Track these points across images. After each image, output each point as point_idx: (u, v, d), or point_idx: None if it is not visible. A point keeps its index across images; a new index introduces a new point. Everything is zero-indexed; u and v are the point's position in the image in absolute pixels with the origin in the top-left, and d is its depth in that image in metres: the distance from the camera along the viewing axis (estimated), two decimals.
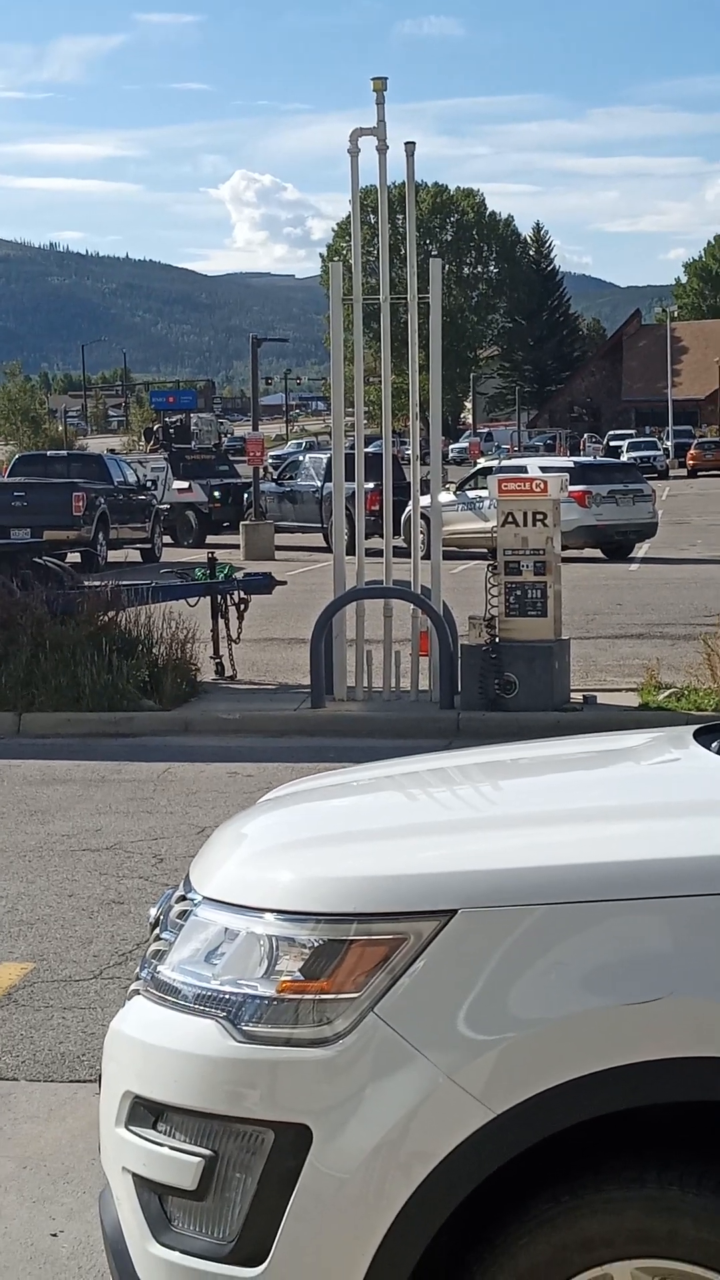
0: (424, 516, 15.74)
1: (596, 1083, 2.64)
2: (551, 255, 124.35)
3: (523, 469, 26.85)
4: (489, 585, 12.88)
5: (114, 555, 29.64)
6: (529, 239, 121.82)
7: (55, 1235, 4.45)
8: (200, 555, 18.97)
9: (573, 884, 2.77)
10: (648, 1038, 2.65)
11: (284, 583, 15.93)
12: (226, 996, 2.89)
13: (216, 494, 35.78)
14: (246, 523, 32.63)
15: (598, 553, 29.42)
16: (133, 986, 3.22)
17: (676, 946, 2.70)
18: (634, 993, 2.66)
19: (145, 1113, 2.96)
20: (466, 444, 75.80)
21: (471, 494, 29.77)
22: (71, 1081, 5.53)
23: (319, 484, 32.59)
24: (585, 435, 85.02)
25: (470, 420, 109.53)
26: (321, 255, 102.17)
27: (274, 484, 35.46)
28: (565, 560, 14.15)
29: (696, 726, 3.85)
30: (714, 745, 3.57)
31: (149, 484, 33.86)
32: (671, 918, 2.72)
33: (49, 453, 40.58)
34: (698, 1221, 2.65)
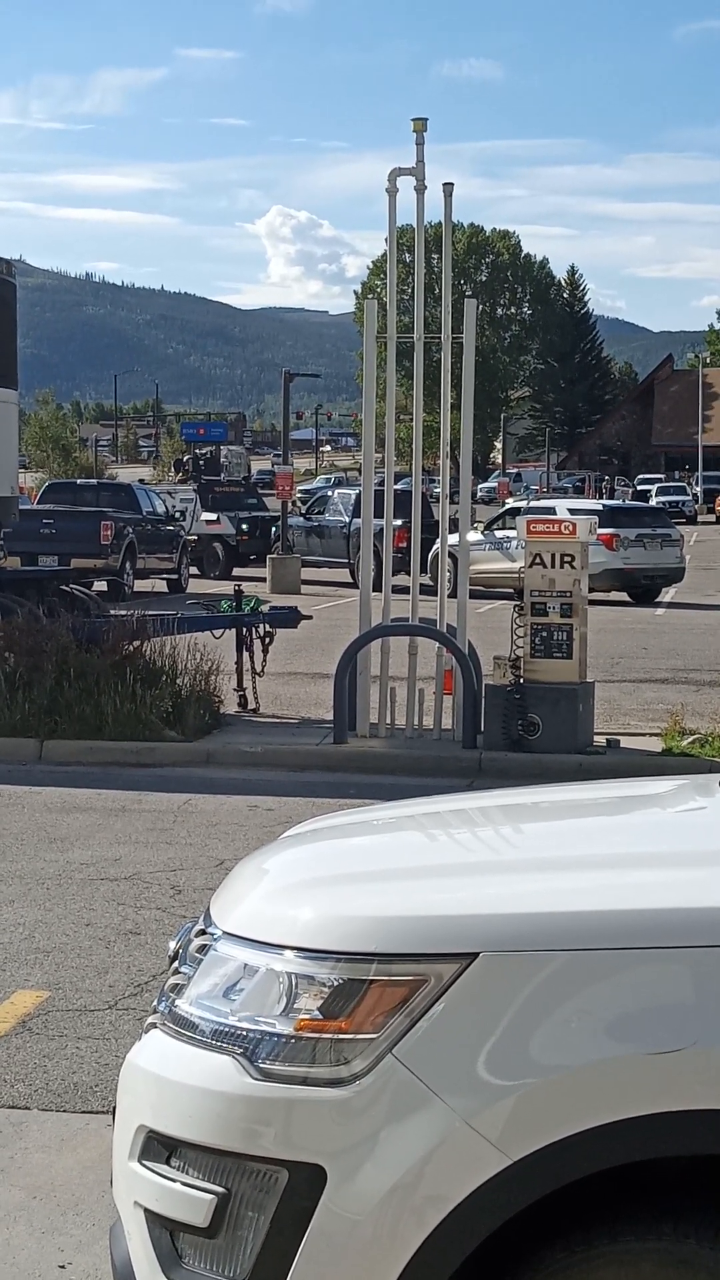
0: (451, 555, 15.74)
1: (615, 1132, 2.62)
2: (585, 298, 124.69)
3: (551, 510, 26.85)
4: (515, 626, 12.86)
5: (140, 585, 29.70)
6: (563, 282, 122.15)
7: (63, 1267, 4.42)
8: (227, 587, 19.00)
9: (596, 931, 2.76)
10: (669, 1088, 2.62)
11: (309, 617, 15.93)
12: (244, 1033, 2.88)
13: (244, 526, 35.84)
14: (274, 556, 32.68)
15: (624, 596, 29.38)
16: (149, 1019, 3.20)
17: (699, 997, 2.68)
18: (656, 1042, 2.64)
19: (159, 1148, 2.95)
20: (495, 484, 75.75)
21: (499, 534, 29.77)
22: (84, 1112, 5.51)
23: (347, 519, 32.63)
24: (615, 478, 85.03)
25: (500, 460, 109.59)
26: (356, 292, 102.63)
27: (302, 518, 35.52)
28: (591, 603, 14.13)
29: None
30: None
31: (177, 515, 33.94)
32: (695, 967, 2.70)
33: (79, 481, 40.73)
34: (713, 1275, 2.62)
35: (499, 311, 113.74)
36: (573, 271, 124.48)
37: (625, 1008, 2.68)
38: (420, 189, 13.58)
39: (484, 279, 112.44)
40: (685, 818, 3.67)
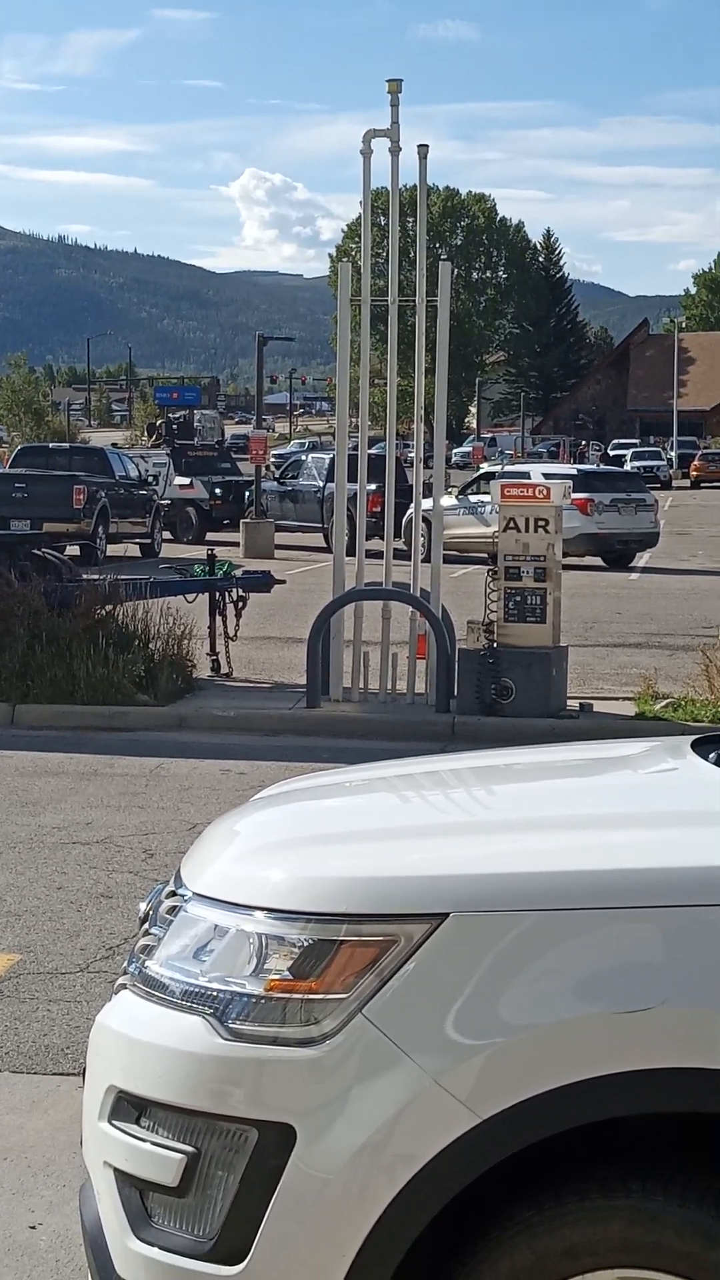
0: (425, 520, 15.72)
1: (584, 1090, 2.63)
2: (561, 263, 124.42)
3: (526, 475, 26.84)
4: (488, 590, 12.86)
5: (113, 549, 29.62)
6: (539, 245, 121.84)
7: (34, 1228, 4.43)
8: (200, 552, 18.94)
9: (566, 891, 2.76)
10: (637, 1047, 2.63)
11: (283, 582, 15.91)
12: (214, 993, 2.88)
13: (218, 491, 35.76)
14: (247, 521, 32.60)
15: (598, 561, 29.41)
16: (120, 981, 3.20)
17: (669, 956, 2.69)
18: (625, 1001, 2.65)
19: (129, 1108, 2.95)
20: (470, 448, 75.72)
21: (474, 498, 29.77)
22: (55, 1074, 5.51)
23: (321, 484, 32.58)
24: (588, 443, 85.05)
25: (474, 425, 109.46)
26: (330, 255, 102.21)
27: (276, 483, 35.44)
28: (566, 568, 14.13)
29: (695, 736, 3.84)
30: (711, 756, 3.55)
31: (150, 479, 33.83)
32: (664, 927, 2.70)
33: (51, 445, 40.58)
34: (681, 1233, 2.63)
35: (474, 275, 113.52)
36: (549, 235, 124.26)
37: (594, 967, 2.69)
38: (395, 151, 13.52)
39: (459, 242, 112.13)
40: (656, 779, 3.67)
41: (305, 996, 2.79)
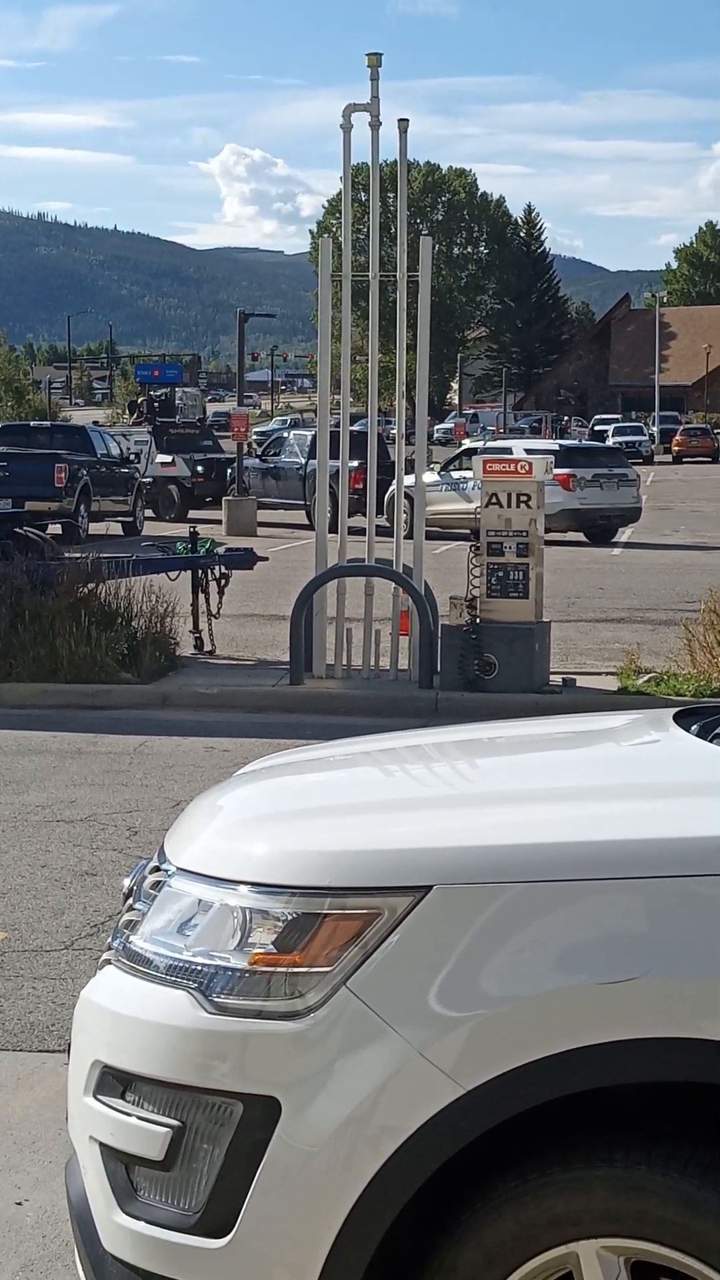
0: (408, 496, 15.72)
1: (567, 1061, 2.64)
2: (542, 237, 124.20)
3: (508, 451, 26.82)
4: (471, 566, 12.87)
5: (95, 528, 29.55)
6: (520, 221, 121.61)
7: (20, 1204, 4.44)
8: (182, 529, 18.91)
9: (549, 863, 2.77)
10: (620, 1017, 2.64)
11: (265, 559, 15.89)
12: (198, 968, 2.88)
13: (200, 469, 35.69)
14: (229, 498, 32.55)
15: (581, 536, 29.43)
16: (104, 956, 3.20)
17: (651, 927, 2.70)
18: (607, 972, 2.66)
19: (114, 1082, 2.95)
20: (452, 425, 75.67)
21: (456, 475, 29.75)
22: (40, 1051, 5.52)
23: (303, 461, 32.54)
24: (570, 419, 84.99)
25: (456, 401, 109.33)
26: (311, 232, 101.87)
27: (258, 460, 35.38)
28: (548, 543, 14.14)
29: (676, 709, 3.85)
30: (693, 728, 3.56)
31: (132, 457, 33.75)
32: (647, 898, 2.71)
33: (32, 423, 40.43)
34: (664, 1201, 2.64)
35: (455, 251, 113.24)
36: (529, 210, 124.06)
37: (578, 938, 2.69)
38: (375, 125, 13.47)
39: (440, 218, 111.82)
40: (639, 751, 3.68)
41: (289, 970, 2.79)
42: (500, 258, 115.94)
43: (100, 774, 10.01)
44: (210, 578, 14.68)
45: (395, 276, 13.66)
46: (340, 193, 14.59)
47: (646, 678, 12.92)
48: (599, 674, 13.58)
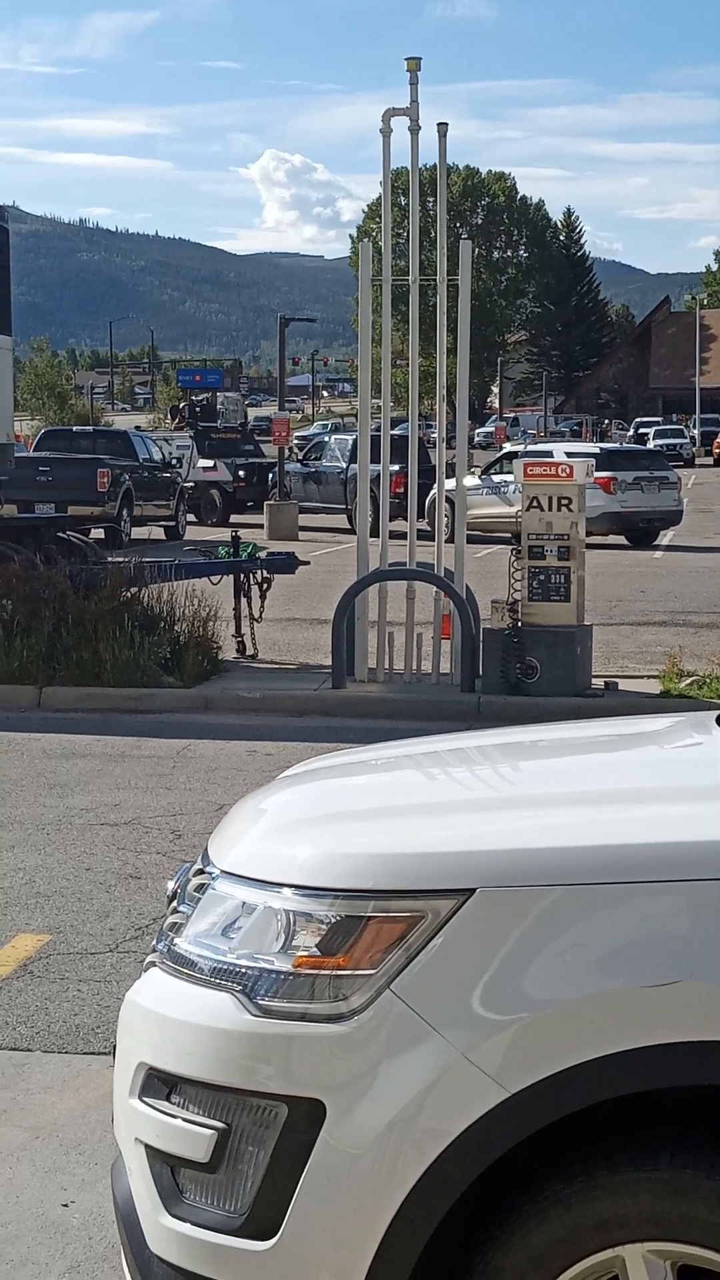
0: (449, 500, 15.71)
1: (611, 1064, 2.63)
2: (581, 240, 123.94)
3: (548, 454, 26.78)
4: (512, 569, 12.85)
5: (138, 532, 29.66)
6: (559, 224, 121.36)
7: (66, 1205, 4.46)
8: (224, 534, 18.97)
9: (591, 865, 2.77)
10: (663, 1020, 2.64)
11: (307, 563, 15.92)
12: (243, 970, 2.89)
13: (241, 473, 35.77)
14: (271, 502, 32.62)
15: (622, 539, 29.35)
16: (149, 958, 3.22)
17: (694, 930, 2.69)
18: (651, 975, 2.65)
19: (159, 1084, 2.96)
20: (492, 428, 75.57)
21: (496, 478, 29.73)
22: (86, 1053, 5.55)
23: (344, 465, 32.59)
24: (610, 421, 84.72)
25: (497, 404, 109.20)
26: (351, 236, 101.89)
27: (299, 464, 35.44)
28: (589, 546, 14.11)
29: (719, 712, 3.84)
30: None
31: (174, 461, 33.85)
32: (690, 901, 2.71)
33: (75, 428, 40.60)
34: (710, 1205, 2.64)
35: (495, 254, 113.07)
36: (569, 213, 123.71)
37: (621, 941, 2.69)
38: (414, 130, 13.48)
39: (480, 221, 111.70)
40: (682, 754, 3.68)
41: (333, 972, 2.80)
42: (540, 261, 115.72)
43: (144, 777, 10.04)
44: (252, 582, 14.71)
45: (435, 280, 13.66)
46: (380, 197, 14.60)
47: (689, 681, 12.88)
48: (641, 677, 13.54)
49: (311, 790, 3.65)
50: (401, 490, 14.82)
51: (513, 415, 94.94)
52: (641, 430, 73.67)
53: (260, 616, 14.73)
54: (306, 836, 3.11)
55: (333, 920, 2.83)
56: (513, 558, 12.96)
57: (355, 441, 19.22)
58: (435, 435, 14.56)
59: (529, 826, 2.98)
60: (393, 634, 13.51)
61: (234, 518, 33.62)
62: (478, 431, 74.50)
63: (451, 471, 14.50)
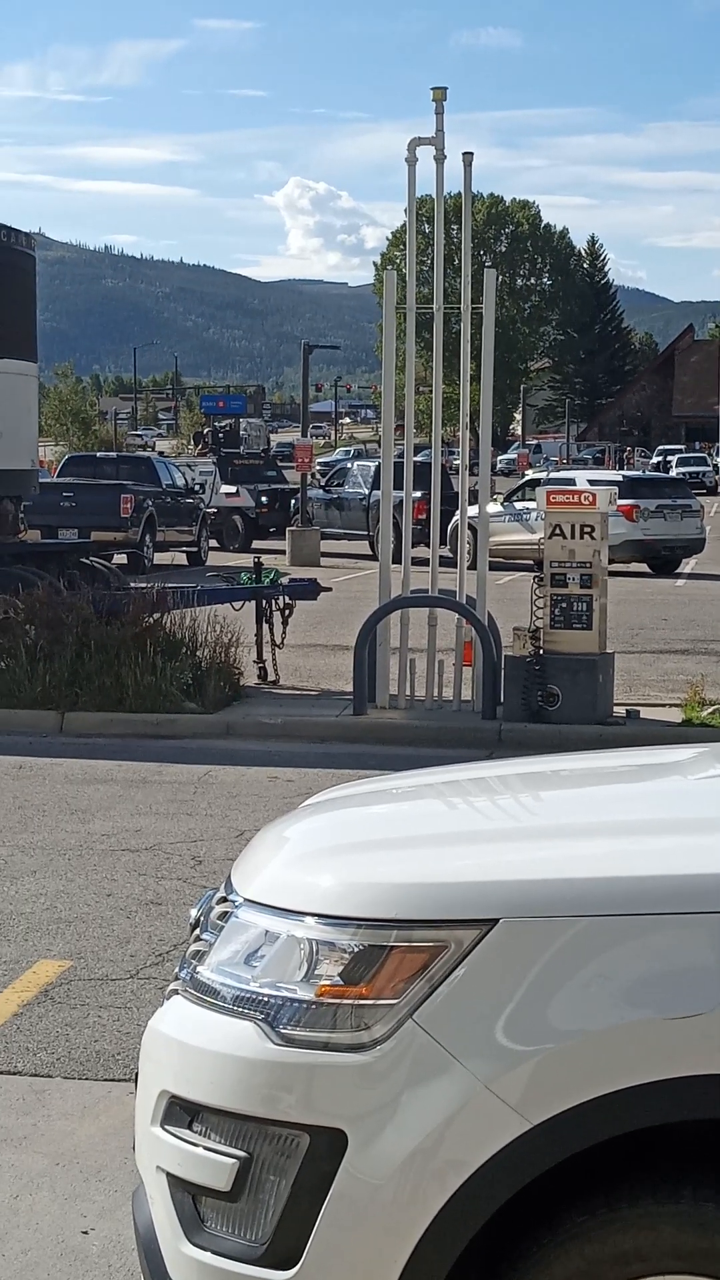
0: (471, 527, 15.72)
1: (635, 1096, 2.63)
2: (605, 268, 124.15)
3: (571, 481, 26.79)
4: (534, 597, 12.85)
5: (160, 558, 29.73)
6: (583, 252, 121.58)
7: (86, 1233, 4.45)
8: (246, 560, 19.01)
9: (616, 897, 2.76)
10: (688, 1052, 2.63)
11: (329, 589, 15.93)
12: (265, 999, 2.89)
13: (264, 499, 35.85)
14: (293, 529, 32.68)
15: (644, 568, 29.32)
16: (171, 986, 3.22)
17: (719, 961, 2.69)
18: (675, 1007, 2.65)
19: (181, 1112, 2.97)
20: (515, 455, 75.63)
21: (519, 505, 29.73)
22: (106, 1080, 5.54)
23: (366, 491, 32.64)
24: (633, 449, 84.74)
25: (519, 432, 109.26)
26: (375, 264, 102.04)
27: (322, 491, 35.51)
28: (611, 574, 14.10)
29: None
30: None
31: (197, 488, 33.95)
32: (714, 933, 2.70)
33: (98, 454, 40.74)
34: None
35: (519, 282, 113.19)
36: (593, 241, 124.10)
37: (644, 973, 2.69)
38: (440, 159, 13.53)
39: (504, 249, 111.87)
40: (705, 785, 3.67)
41: (356, 1002, 2.80)
42: (564, 289, 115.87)
43: (165, 803, 10.05)
44: (274, 608, 14.73)
45: (459, 308, 13.70)
46: (404, 225, 14.66)
47: (711, 709, 12.85)
48: (663, 705, 13.52)
49: (334, 819, 3.65)
50: (424, 517, 14.85)
51: (535, 442, 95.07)
52: (664, 458, 73.64)
53: (282, 643, 14.75)
54: (329, 865, 3.12)
55: (355, 950, 2.83)
56: (535, 585, 12.95)
57: (378, 468, 19.24)
58: (458, 462, 14.57)
59: (552, 857, 2.98)
60: (414, 660, 13.51)
61: (256, 543, 33.68)
62: (500, 458, 74.53)
63: (474, 498, 14.50)
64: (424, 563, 13.88)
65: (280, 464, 43.15)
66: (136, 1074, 3.25)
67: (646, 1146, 2.73)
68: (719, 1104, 2.65)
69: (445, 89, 13.51)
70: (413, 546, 13.95)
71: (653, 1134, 2.70)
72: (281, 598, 14.86)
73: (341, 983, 2.82)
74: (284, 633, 14.74)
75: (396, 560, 13.89)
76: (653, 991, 2.67)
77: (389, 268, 14.57)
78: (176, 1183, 2.94)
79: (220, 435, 42.05)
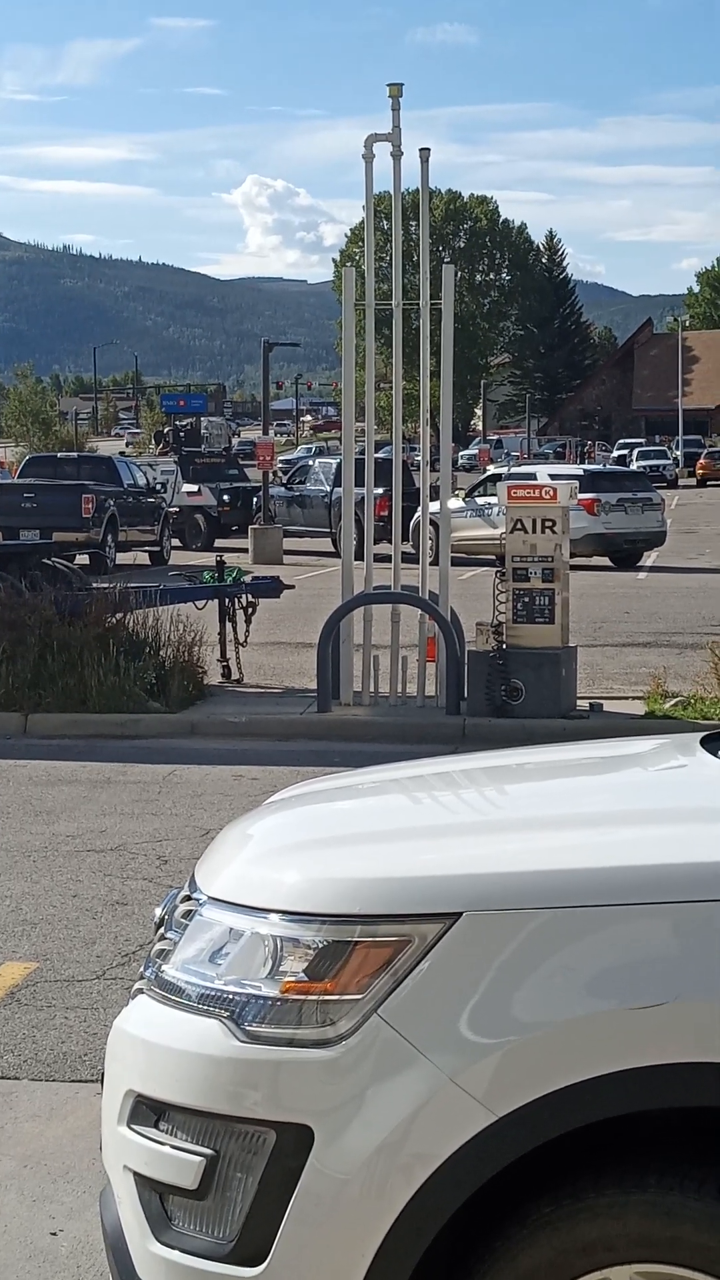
0: (433, 523, 15.74)
1: (599, 1087, 2.64)
2: (564, 263, 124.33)
3: (532, 476, 26.84)
4: (497, 592, 12.87)
5: (122, 558, 29.64)
6: (541, 247, 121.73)
7: (55, 1234, 4.45)
8: (209, 559, 18.99)
9: (578, 888, 2.77)
10: (651, 1042, 2.65)
11: (292, 587, 15.92)
12: (230, 996, 2.89)
13: (226, 498, 35.79)
14: (255, 527, 32.63)
15: (606, 561, 29.40)
16: (136, 985, 3.22)
17: (681, 952, 2.70)
18: (638, 997, 2.66)
19: (147, 1111, 2.96)
20: (476, 451, 75.74)
21: (480, 500, 29.76)
22: (73, 1081, 5.53)
23: (328, 489, 32.64)
24: (594, 443, 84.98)
25: (480, 427, 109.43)
26: (334, 260, 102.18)
27: (283, 488, 35.48)
28: (573, 568, 14.14)
29: (704, 733, 3.85)
30: None
31: (158, 487, 33.87)
32: (677, 923, 2.72)
33: (59, 454, 40.60)
34: (698, 1226, 2.64)
35: (478, 278, 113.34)
36: (551, 236, 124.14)
37: (608, 963, 2.70)
38: (397, 155, 13.53)
39: (462, 245, 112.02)
40: (666, 776, 3.69)
41: (321, 998, 2.80)
42: (522, 284, 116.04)
43: (130, 803, 10.03)
44: (237, 606, 14.71)
45: (418, 304, 13.71)
46: (363, 221, 14.66)
47: (673, 702, 12.90)
48: (626, 698, 13.56)
49: (298, 815, 3.65)
50: (386, 513, 14.84)
51: (496, 437, 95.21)
52: (624, 452, 73.88)
53: (245, 641, 14.73)
54: (293, 862, 3.12)
55: (320, 945, 2.83)
56: (497, 580, 12.98)
57: (339, 465, 19.28)
58: (419, 458, 14.58)
59: (516, 850, 2.99)
60: (378, 657, 13.52)
61: (219, 542, 33.63)
62: (461, 454, 74.65)
63: (435, 494, 14.52)
64: (386, 559, 13.89)
65: (242, 462, 43.08)
66: (103, 1074, 3.25)
67: (613, 1136, 2.74)
68: (683, 1093, 2.67)
69: (401, 85, 13.51)
70: (375, 543, 13.94)
71: (619, 1123, 2.71)
72: (244, 596, 14.85)
73: (306, 979, 2.82)
74: (247, 631, 14.73)
75: (359, 557, 13.90)
76: (616, 982, 2.68)
77: (348, 264, 14.59)
78: (144, 1182, 2.94)
79: (181, 434, 41.96)
